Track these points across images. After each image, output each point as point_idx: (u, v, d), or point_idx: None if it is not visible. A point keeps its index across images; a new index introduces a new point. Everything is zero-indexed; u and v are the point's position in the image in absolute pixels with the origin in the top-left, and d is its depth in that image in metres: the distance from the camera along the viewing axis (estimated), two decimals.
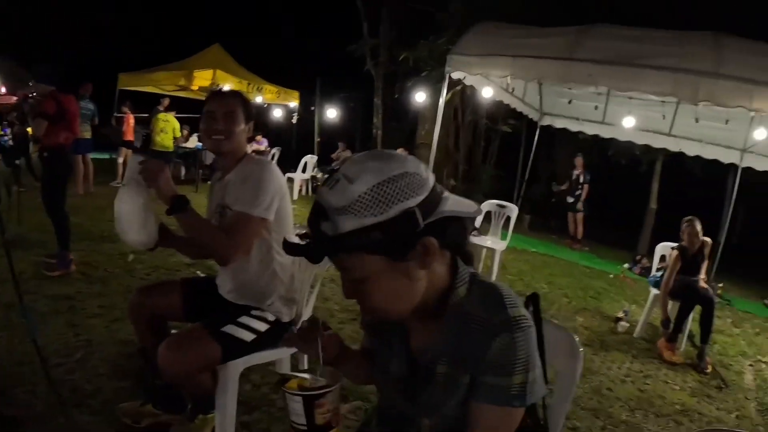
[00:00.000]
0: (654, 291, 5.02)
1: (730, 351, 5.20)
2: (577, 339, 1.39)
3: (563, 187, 11.30)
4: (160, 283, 2.39)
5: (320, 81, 14.97)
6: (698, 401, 3.78)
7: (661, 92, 5.15)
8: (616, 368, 4.12)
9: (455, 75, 6.35)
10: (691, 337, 4.96)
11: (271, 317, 2.11)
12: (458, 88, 9.43)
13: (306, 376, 1.03)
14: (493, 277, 5.69)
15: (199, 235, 1.94)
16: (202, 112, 2.11)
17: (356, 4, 13.62)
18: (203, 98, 9.39)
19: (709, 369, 4.40)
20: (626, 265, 8.94)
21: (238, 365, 2.04)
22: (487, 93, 7.20)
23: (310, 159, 11.76)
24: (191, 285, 2.30)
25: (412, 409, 1.08)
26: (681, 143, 8.46)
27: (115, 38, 17.98)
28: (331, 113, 15.67)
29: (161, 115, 9.97)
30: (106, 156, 10.25)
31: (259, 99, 11.58)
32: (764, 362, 5.08)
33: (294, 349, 2.19)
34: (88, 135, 7.51)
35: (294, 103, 13.01)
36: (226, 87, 10.40)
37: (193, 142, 11.79)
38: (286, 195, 2.11)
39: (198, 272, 4.39)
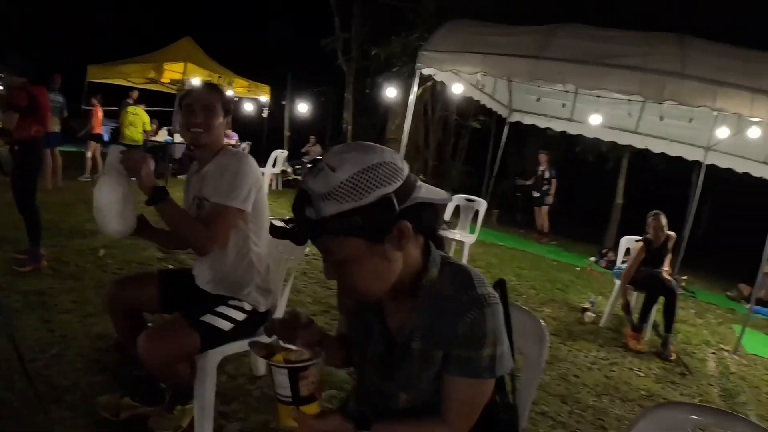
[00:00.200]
0: (618, 282, 5.17)
1: (693, 340, 5.41)
2: (543, 323, 1.47)
3: (528, 182, 11.54)
4: (136, 275, 2.40)
5: (291, 75, 14.91)
6: (662, 387, 3.94)
7: (627, 91, 5.30)
8: (583, 356, 4.25)
9: (426, 71, 6.41)
10: (655, 326, 5.13)
11: (248, 307, 2.15)
12: (429, 84, 9.51)
13: (292, 347, 1.07)
14: None
15: (178, 225, 1.97)
16: (180, 106, 2.14)
17: None
18: (174, 91, 9.32)
19: (673, 357, 4.58)
20: (593, 259, 9.15)
21: (216, 355, 2.08)
22: (457, 89, 7.29)
23: (280, 154, 11.73)
24: (168, 276, 2.32)
25: (389, 386, 1.14)
26: (647, 141, 8.69)
27: (84, 30, 17.56)
28: (302, 108, 15.61)
29: (130, 108, 9.81)
30: (73, 149, 10.04)
31: (229, 92, 11.48)
32: (726, 350, 5.30)
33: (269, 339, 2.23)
34: (57, 128, 7.37)
35: (265, 97, 12.94)
36: (195, 80, 10.37)
37: (163, 136, 11.62)
38: (262, 187, 2.15)
39: (170, 266, 4.38)
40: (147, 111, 10.28)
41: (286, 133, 14.66)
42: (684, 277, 8.68)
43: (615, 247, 6.30)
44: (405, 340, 1.10)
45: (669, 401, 2.72)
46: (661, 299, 4.81)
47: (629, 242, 5.47)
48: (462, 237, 6.07)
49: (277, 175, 11.59)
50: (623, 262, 5.39)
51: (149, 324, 2.27)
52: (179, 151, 12.04)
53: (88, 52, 13.73)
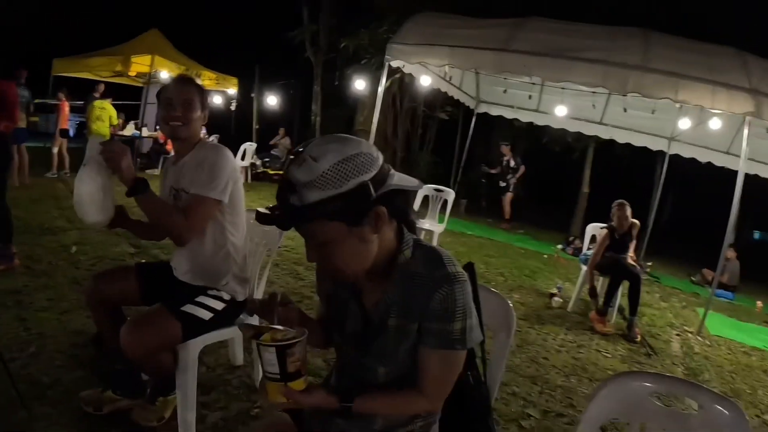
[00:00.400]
0: (584, 268, 5.35)
1: (658, 322, 5.61)
2: (510, 304, 1.58)
3: (493, 171, 11.76)
4: (115, 269, 2.41)
5: (259, 67, 14.77)
6: (628, 367, 4.10)
7: (591, 83, 5.46)
8: (552, 339, 4.40)
9: (394, 63, 6.50)
10: (621, 310, 5.33)
11: (226, 296, 2.21)
12: (397, 75, 9.59)
13: (279, 327, 1.14)
14: None
15: (158, 215, 2.01)
16: (158, 99, 2.16)
17: None
18: (141, 85, 9.16)
19: (639, 338, 4.75)
20: (560, 246, 9.36)
21: (198, 344, 2.13)
22: (425, 81, 7.39)
23: (249, 146, 11.67)
24: (146, 269, 2.35)
25: (367, 360, 1.23)
26: (612, 131, 8.94)
27: (49, 22, 17.10)
28: (271, 100, 15.52)
29: (97, 103, 9.64)
30: (39, 145, 9.82)
31: None
32: (690, 332, 5.52)
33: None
34: (23, 124, 7.22)
35: (233, 90, 12.79)
36: (163, 73, 10.24)
37: (130, 130, 11.43)
38: (239, 179, 2.20)
39: (143, 261, 4.37)
40: (114, 105, 10.12)
41: (255, 125, 14.55)
42: (649, 263, 8.98)
43: (581, 235, 6.48)
44: (381, 316, 1.19)
45: (629, 371, 2.86)
46: (626, 284, 4.99)
47: (595, 229, 5.65)
48: (431, 226, 6.17)
49: (246, 167, 11.52)
50: (589, 249, 5.56)
51: (128, 317, 2.30)
52: (147, 146, 11.89)
53: (52, 45, 13.39)
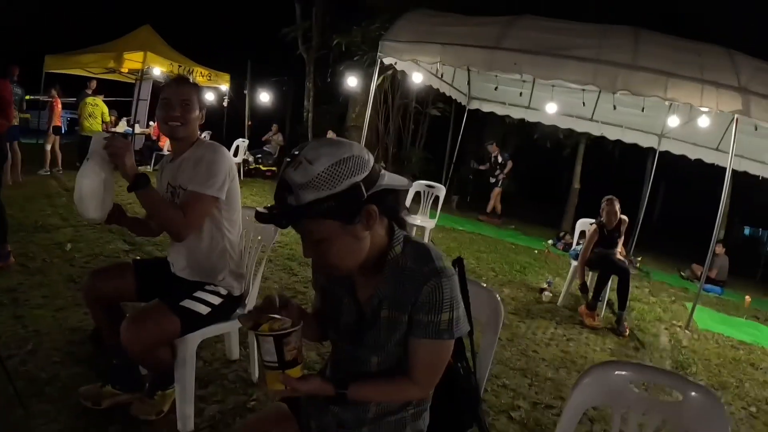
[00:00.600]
0: (574, 263, 5.41)
1: (647, 317, 5.68)
2: (498, 296, 1.63)
3: (482, 167, 11.87)
4: (112, 266, 2.45)
5: (251, 64, 14.75)
6: (618, 360, 4.17)
7: (581, 81, 5.51)
8: (541, 333, 4.46)
9: (386, 60, 6.54)
10: (610, 304, 5.40)
11: (223, 291, 2.25)
12: (389, 72, 9.62)
13: (275, 316, 1.19)
14: None
15: (157, 211, 2.05)
16: (158, 99, 2.19)
17: None
18: (133, 81, 9.11)
19: (627, 332, 4.82)
20: (550, 242, 9.44)
21: (195, 338, 2.18)
22: (417, 78, 7.44)
23: (242, 143, 11.67)
24: (144, 265, 2.39)
25: (361, 351, 1.29)
26: (602, 128, 9.02)
27: (41, 19, 16.99)
28: (263, 96, 15.51)
29: (89, 99, 9.61)
30: (32, 142, 9.80)
31: None
32: (678, 326, 5.59)
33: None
34: (15, 121, 7.20)
35: (225, 86, 12.77)
36: (155, 70, 10.22)
37: (122, 127, 11.41)
38: (235, 177, 2.24)
39: (137, 257, 4.40)
40: (106, 101, 10.09)
41: (247, 122, 14.52)
42: (639, 258, 9.08)
43: (572, 231, 6.55)
44: (374, 309, 1.26)
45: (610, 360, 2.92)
46: (616, 278, 5.05)
47: (584, 225, 5.71)
48: (422, 222, 6.22)
49: (238, 164, 11.49)
50: (579, 245, 5.63)
51: (127, 314, 2.33)
52: (139, 143, 11.86)
53: (44, 41, 13.32)
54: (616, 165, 14.69)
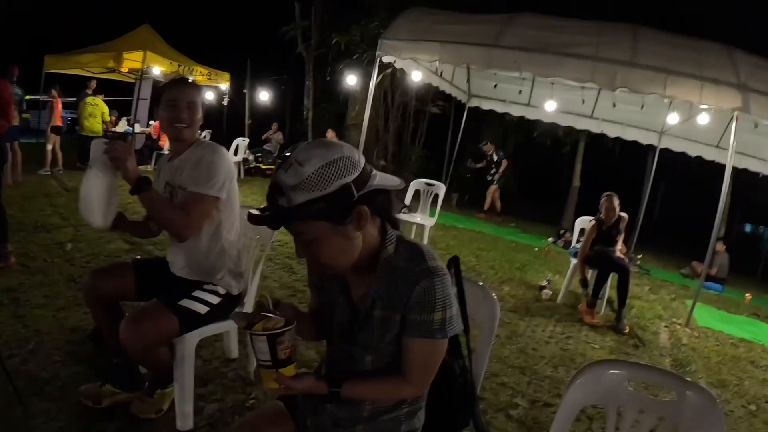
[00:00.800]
0: (574, 261, 5.42)
1: (647, 314, 5.68)
2: (495, 296, 1.64)
3: (479, 165, 11.89)
4: (112, 265, 2.46)
5: (251, 63, 14.77)
6: (616, 358, 4.14)
7: (580, 79, 5.52)
8: (541, 331, 4.47)
9: (386, 58, 6.56)
10: (610, 302, 5.40)
11: (222, 290, 2.27)
12: (388, 71, 9.62)
13: (269, 315, 1.20)
14: None
15: (160, 213, 2.06)
16: (158, 98, 2.19)
17: None
18: (133, 81, 9.08)
19: (627, 330, 4.82)
20: (550, 239, 9.43)
21: (194, 337, 2.19)
22: (416, 76, 7.45)
23: (242, 141, 11.68)
24: (143, 265, 2.40)
25: (355, 350, 1.30)
26: (602, 125, 9.00)
27: (40, 18, 17.00)
28: (263, 95, 15.53)
29: (89, 99, 9.66)
30: (33, 141, 9.81)
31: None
32: (678, 324, 5.60)
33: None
34: (16, 122, 7.20)
35: (225, 85, 12.78)
36: (155, 69, 10.22)
37: (122, 126, 11.43)
38: (234, 177, 2.26)
39: (137, 257, 4.40)
40: (106, 101, 10.13)
41: (247, 121, 14.54)
42: (639, 256, 9.07)
43: (572, 228, 6.55)
44: (367, 308, 1.27)
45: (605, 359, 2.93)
46: (616, 276, 5.06)
47: (584, 223, 5.69)
48: (422, 220, 6.22)
49: (238, 163, 11.51)
50: (578, 242, 5.63)
51: (126, 313, 2.34)
52: (139, 143, 11.87)
53: (44, 41, 13.34)
54: (616, 162, 14.68)
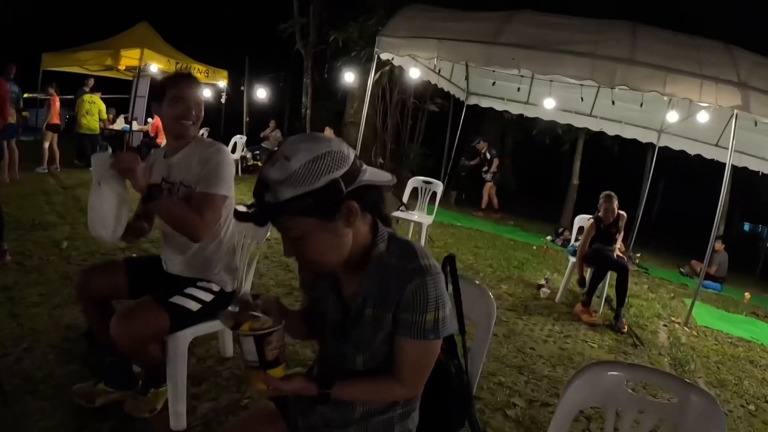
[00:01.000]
0: (572, 259, 5.40)
1: (645, 313, 5.66)
2: (491, 294, 1.62)
3: (473, 163, 11.90)
4: (104, 264, 2.44)
5: (249, 60, 14.73)
6: (615, 357, 4.15)
7: (579, 76, 5.50)
8: (539, 330, 4.45)
9: (384, 56, 6.54)
10: (608, 300, 5.39)
11: (215, 287, 2.25)
12: (387, 68, 9.60)
13: (258, 315, 1.18)
14: None
15: (175, 217, 2.03)
16: (160, 94, 2.15)
17: None
18: (130, 78, 9.03)
19: (625, 329, 4.80)
20: (549, 237, 9.41)
21: (187, 336, 2.17)
22: (414, 74, 7.44)
23: (239, 139, 11.67)
24: (135, 263, 2.39)
25: (346, 349, 1.27)
26: (601, 123, 8.99)
27: (38, 16, 16.95)
28: (261, 93, 15.52)
29: (86, 97, 9.63)
30: (30, 139, 9.78)
31: None
32: (677, 323, 5.59)
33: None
34: (12, 120, 7.17)
35: (222, 83, 12.75)
36: (152, 67, 10.19)
37: (120, 124, 11.42)
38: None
39: (133, 255, 4.39)
40: (103, 99, 10.10)
41: (245, 118, 14.52)
42: (638, 254, 9.07)
43: (571, 226, 6.54)
44: (358, 307, 1.24)
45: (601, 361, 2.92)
46: (614, 275, 5.05)
47: (583, 221, 5.68)
48: (420, 218, 6.18)
49: (236, 160, 11.48)
50: (577, 240, 5.61)
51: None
52: (137, 140, 11.86)
53: (41, 39, 13.31)
54: (615, 160, 14.67)
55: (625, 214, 5.27)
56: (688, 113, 7.29)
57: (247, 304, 1.24)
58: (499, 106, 9.65)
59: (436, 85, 8.64)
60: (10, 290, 3.40)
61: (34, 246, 4.40)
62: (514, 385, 3.25)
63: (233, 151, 11.25)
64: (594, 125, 9.13)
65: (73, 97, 10.33)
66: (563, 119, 9.31)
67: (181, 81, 2.16)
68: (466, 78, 9.20)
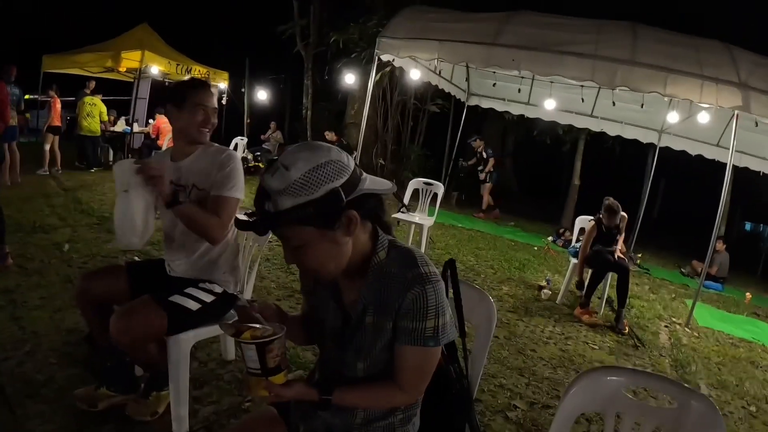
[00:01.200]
0: (573, 260, 5.39)
1: (646, 314, 5.66)
2: (491, 299, 1.62)
3: (470, 163, 11.90)
4: (104, 268, 2.46)
5: (249, 62, 14.75)
6: (616, 359, 4.16)
7: (580, 77, 5.50)
8: (540, 331, 4.45)
9: (384, 57, 6.55)
10: (609, 301, 5.38)
11: (218, 289, 2.26)
12: (387, 69, 9.61)
13: (257, 326, 1.19)
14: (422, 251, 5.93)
15: (197, 221, 2.09)
16: (179, 100, 2.18)
17: None
18: (131, 80, 9.04)
19: (626, 330, 4.80)
20: (550, 238, 9.40)
21: (189, 339, 2.17)
22: (415, 75, 7.44)
23: (240, 141, 11.68)
24: (137, 267, 2.39)
25: (347, 356, 1.28)
26: (602, 124, 9.00)
27: (38, 18, 16.98)
28: (261, 94, 15.54)
29: (87, 99, 9.65)
30: (32, 141, 9.78)
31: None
32: (678, 323, 5.58)
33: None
34: (14, 122, 7.18)
35: (223, 84, 12.75)
36: (153, 69, 10.19)
37: (121, 126, 11.42)
38: None
39: (135, 258, 4.39)
40: (104, 101, 10.12)
41: (246, 119, 14.54)
42: (639, 255, 9.07)
43: (572, 227, 6.53)
44: (359, 314, 1.25)
45: (603, 365, 2.93)
46: (615, 276, 5.04)
47: (584, 222, 5.66)
48: (421, 220, 6.17)
49: None
50: (578, 241, 5.61)
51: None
52: (138, 142, 11.87)
53: (41, 41, 13.33)
54: (616, 161, 14.65)
55: (625, 216, 5.26)
56: (689, 114, 7.29)
57: (247, 311, 1.24)
58: (499, 106, 9.66)
59: (436, 86, 8.65)
60: (11, 293, 3.40)
61: (36, 249, 4.40)
62: (514, 387, 3.25)
63: None
64: (595, 126, 9.14)
65: (74, 99, 10.34)
66: (564, 120, 9.32)
67: (202, 89, 2.22)
68: (467, 79, 9.20)
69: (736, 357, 4.82)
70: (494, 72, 7.34)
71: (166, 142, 10.08)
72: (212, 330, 2.29)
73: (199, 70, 11.54)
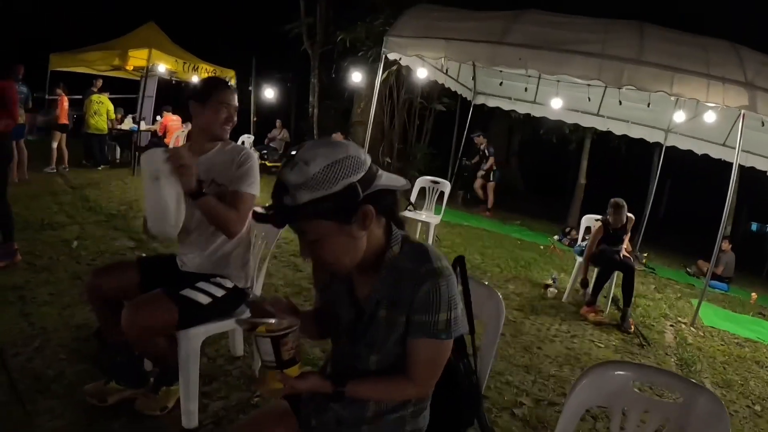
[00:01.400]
0: (579, 259, 5.40)
1: (652, 313, 5.66)
2: (500, 295, 1.64)
3: (474, 161, 11.91)
4: (115, 264, 2.47)
5: (256, 60, 14.78)
6: (621, 357, 4.15)
7: (587, 76, 5.48)
8: (546, 329, 4.46)
9: (391, 56, 6.55)
10: (615, 301, 5.38)
11: (229, 284, 2.28)
12: (394, 68, 9.61)
13: (271, 320, 1.20)
14: None
15: (218, 214, 2.12)
16: (202, 96, 2.25)
17: None
18: (138, 78, 9.09)
19: (632, 329, 4.80)
20: (556, 237, 9.40)
21: (199, 335, 2.19)
22: (421, 74, 7.44)
23: (247, 138, 11.71)
24: (147, 263, 2.40)
25: (360, 349, 1.30)
26: (609, 123, 8.97)
27: (45, 16, 17.05)
28: (268, 93, 15.57)
29: (95, 97, 9.70)
30: (40, 138, 9.82)
31: (194, 78, 11.31)
32: (684, 323, 5.58)
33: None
34: (21, 120, 7.22)
35: (230, 82, 12.77)
36: (160, 67, 10.23)
37: (128, 124, 11.46)
38: None
39: (143, 254, 4.42)
40: (112, 99, 10.16)
41: (253, 118, 14.56)
42: (645, 254, 9.05)
43: (578, 226, 6.53)
44: (372, 308, 1.26)
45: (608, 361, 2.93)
46: (621, 275, 5.04)
47: (590, 221, 5.68)
48: (427, 218, 6.19)
49: None
50: (584, 240, 5.62)
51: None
52: (145, 140, 11.91)
53: (49, 40, 13.39)
54: (622, 160, 14.64)
55: (632, 217, 5.26)
56: (695, 113, 7.27)
57: (260, 306, 1.26)
58: (506, 105, 9.64)
59: (443, 84, 8.64)
60: (20, 290, 3.43)
61: (44, 246, 4.43)
62: (521, 385, 3.27)
63: None
64: (601, 125, 9.12)
65: (81, 97, 10.38)
66: (570, 119, 9.30)
67: (226, 88, 2.29)
68: (474, 78, 9.19)
69: (742, 356, 4.81)
70: (501, 71, 7.34)
71: (173, 140, 10.12)
72: (222, 325, 2.31)
73: (206, 69, 11.57)
